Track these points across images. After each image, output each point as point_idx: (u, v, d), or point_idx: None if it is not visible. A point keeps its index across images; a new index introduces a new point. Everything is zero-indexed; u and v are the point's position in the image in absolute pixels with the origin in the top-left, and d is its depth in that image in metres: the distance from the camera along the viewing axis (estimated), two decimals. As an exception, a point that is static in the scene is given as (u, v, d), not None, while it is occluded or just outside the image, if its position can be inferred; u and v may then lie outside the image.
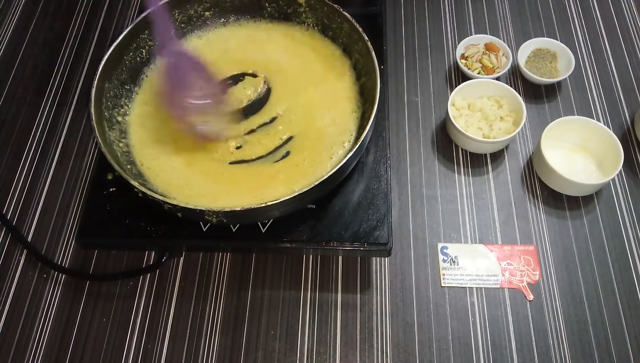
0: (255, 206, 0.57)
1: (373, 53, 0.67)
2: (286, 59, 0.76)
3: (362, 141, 0.62)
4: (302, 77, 0.75)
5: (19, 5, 0.98)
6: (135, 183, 0.59)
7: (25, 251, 0.73)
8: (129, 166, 0.67)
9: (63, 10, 0.98)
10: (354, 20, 0.70)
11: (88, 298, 0.70)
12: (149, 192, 0.59)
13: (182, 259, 0.72)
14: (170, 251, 0.68)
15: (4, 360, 0.66)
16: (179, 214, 0.61)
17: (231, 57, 0.77)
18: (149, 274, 0.71)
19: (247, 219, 0.64)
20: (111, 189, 0.67)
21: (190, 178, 0.67)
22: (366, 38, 0.68)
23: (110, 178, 0.67)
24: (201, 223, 0.64)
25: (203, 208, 0.57)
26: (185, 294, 0.70)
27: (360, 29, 0.69)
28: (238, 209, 0.57)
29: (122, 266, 0.72)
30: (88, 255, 0.73)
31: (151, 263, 0.72)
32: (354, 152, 0.61)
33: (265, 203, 0.57)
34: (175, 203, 0.59)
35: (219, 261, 0.72)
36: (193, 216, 0.61)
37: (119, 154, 0.67)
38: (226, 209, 0.57)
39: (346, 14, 0.71)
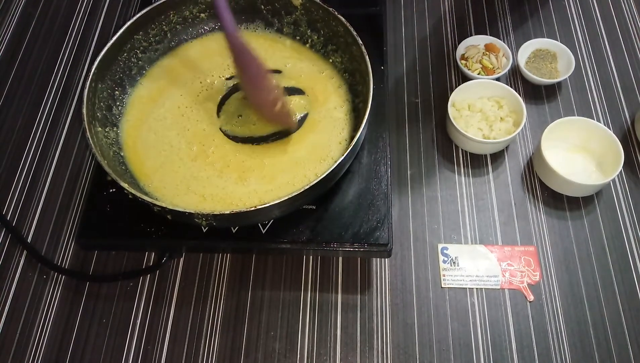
0: (244, 210, 0.57)
1: (367, 57, 0.67)
2: (285, 68, 0.76)
3: (355, 143, 0.62)
4: (301, 85, 0.75)
5: (19, 6, 0.98)
6: (124, 184, 0.59)
7: (25, 251, 0.73)
8: (122, 168, 0.67)
9: (63, 10, 0.98)
10: (348, 24, 0.70)
11: (88, 299, 0.70)
12: (138, 194, 0.59)
13: (182, 260, 0.72)
14: (170, 252, 0.68)
15: (3, 360, 0.66)
16: (168, 216, 0.61)
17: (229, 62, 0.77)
18: (149, 275, 0.71)
19: (237, 222, 0.64)
20: (111, 190, 0.67)
21: (184, 180, 0.67)
22: (360, 42, 0.68)
23: (110, 179, 0.67)
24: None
25: (192, 211, 0.57)
26: (185, 295, 0.70)
27: (355, 33, 0.69)
28: (227, 212, 0.57)
29: (122, 267, 0.72)
30: (88, 255, 0.73)
31: (151, 264, 0.72)
32: (345, 157, 0.61)
33: (255, 207, 0.57)
34: (164, 205, 0.58)
35: (219, 262, 0.72)
36: (182, 219, 0.60)
37: (112, 155, 0.67)
38: (215, 212, 0.57)
39: (341, 17, 0.71)
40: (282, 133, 0.71)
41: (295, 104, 0.73)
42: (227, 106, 0.73)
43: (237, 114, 0.72)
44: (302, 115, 0.72)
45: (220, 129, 0.71)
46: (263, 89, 0.67)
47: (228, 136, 0.71)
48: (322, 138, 0.70)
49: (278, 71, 0.76)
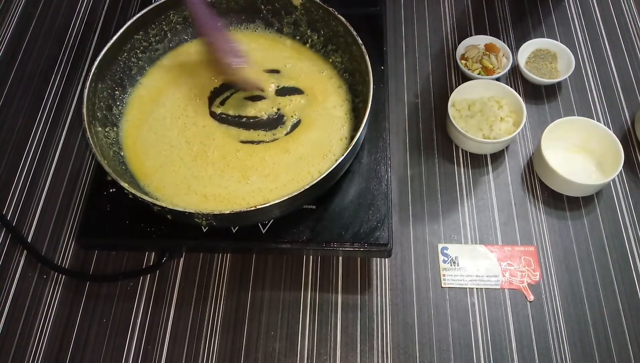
0: (244, 209, 0.57)
1: (367, 57, 0.67)
2: (285, 68, 0.76)
3: (355, 143, 0.62)
4: (301, 84, 0.75)
5: (19, 6, 0.98)
6: (124, 184, 0.59)
7: (25, 251, 0.73)
8: (122, 168, 0.67)
9: (63, 10, 0.98)
10: (348, 24, 0.70)
11: (88, 299, 0.70)
12: (138, 194, 0.59)
13: (182, 260, 0.72)
14: (170, 252, 0.68)
15: (4, 360, 0.66)
16: (168, 216, 0.61)
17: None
18: (149, 275, 0.71)
19: (237, 222, 0.64)
20: (111, 190, 0.67)
21: (185, 180, 0.67)
22: (360, 42, 0.68)
23: (110, 178, 0.67)
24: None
25: (192, 211, 0.58)
26: (185, 295, 0.70)
27: (355, 33, 0.69)
28: (227, 212, 0.57)
29: (122, 267, 0.72)
30: (88, 255, 0.73)
31: (151, 264, 0.72)
32: (345, 157, 0.61)
33: (255, 206, 0.57)
34: (163, 205, 0.58)
35: (219, 262, 0.72)
36: (183, 219, 0.61)
37: (112, 154, 0.67)
38: (215, 212, 0.57)
39: (341, 17, 0.71)
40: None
41: (295, 104, 0.73)
42: (227, 105, 0.73)
43: (237, 113, 0.73)
44: (295, 120, 0.72)
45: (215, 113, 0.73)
46: (219, 50, 0.70)
47: (227, 120, 0.72)
48: (323, 134, 0.70)
49: (277, 71, 0.76)
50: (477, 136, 0.77)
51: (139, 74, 0.76)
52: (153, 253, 0.72)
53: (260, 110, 0.73)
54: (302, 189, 0.58)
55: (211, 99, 0.74)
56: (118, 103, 0.73)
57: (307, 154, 0.69)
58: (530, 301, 0.69)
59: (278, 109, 0.73)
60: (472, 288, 0.70)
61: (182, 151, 0.69)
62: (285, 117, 0.72)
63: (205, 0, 0.71)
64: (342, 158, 0.61)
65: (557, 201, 0.76)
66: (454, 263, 0.71)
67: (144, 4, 0.75)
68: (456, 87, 0.81)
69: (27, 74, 0.90)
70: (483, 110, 0.79)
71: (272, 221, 0.65)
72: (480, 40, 0.88)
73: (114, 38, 0.70)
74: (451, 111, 0.79)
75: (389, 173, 0.69)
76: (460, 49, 0.88)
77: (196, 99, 0.74)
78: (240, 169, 0.68)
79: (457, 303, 0.69)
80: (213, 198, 0.65)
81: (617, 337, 0.66)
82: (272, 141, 0.70)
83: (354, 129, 0.70)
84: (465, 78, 0.86)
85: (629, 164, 0.79)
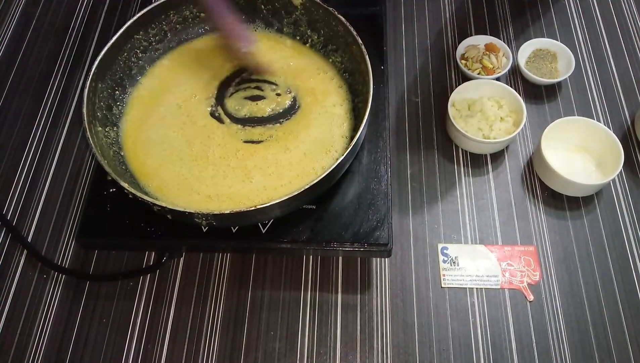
0: (245, 209, 0.57)
1: (367, 57, 0.67)
2: (285, 68, 0.76)
3: (355, 143, 0.62)
4: (300, 83, 0.75)
5: (19, 5, 0.98)
6: (124, 184, 0.59)
7: (25, 251, 0.73)
8: (122, 167, 0.67)
9: (63, 10, 0.98)
10: (348, 24, 0.70)
11: (88, 298, 0.70)
12: (138, 194, 0.59)
13: (182, 259, 0.72)
14: (170, 251, 0.68)
15: (4, 360, 0.66)
16: (168, 216, 0.61)
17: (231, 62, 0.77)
18: (149, 274, 0.71)
19: (238, 221, 0.64)
20: (111, 190, 0.67)
21: (185, 180, 0.67)
22: (360, 42, 0.68)
23: (110, 178, 0.67)
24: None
25: (192, 210, 0.57)
26: (185, 294, 0.70)
27: (355, 33, 0.69)
28: (227, 212, 0.57)
29: (122, 266, 0.72)
30: (88, 255, 0.73)
31: (151, 263, 0.72)
32: (345, 157, 0.61)
33: (255, 206, 0.57)
34: (163, 204, 0.58)
35: (219, 261, 0.72)
36: (183, 219, 0.61)
37: (112, 154, 0.67)
38: (215, 212, 0.57)
39: (341, 17, 0.71)
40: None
41: (295, 103, 0.73)
42: (227, 105, 0.73)
43: (238, 113, 0.73)
44: (295, 119, 0.72)
45: (221, 109, 0.73)
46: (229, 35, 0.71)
47: (227, 119, 0.72)
48: (324, 131, 0.70)
49: (275, 84, 0.75)
50: (477, 136, 0.77)
51: (139, 74, 0.76)
52: (153, 253, 0.73)
53: (260, 109, 0.73)
54: (303, 189, 0.58)
55: (211, 99, 0.74)
56: (118, 103, 0.73)
57: (310, 151, 0.69)
58: (530, 301, 0.69)
59: (278, 109, 0.73)
60: (472, 288, 0.70)
61: (183, 151, 0.69)
62: (285, 117, 0.72)
63: None
64: (343, 157, 0.61)
65: (557, 201, 0.76)
66: (454, 263, 0.71)
67: (144, 4, 0.75)
68: (456, 87, 0.81)
69: (27, 74, 0.90)
70: (483, 110, 0.79)
71: (272, 221, 0.65)
72: (480, 40, 0.88)
73: (114, 38, 0.70)
74: (451, 110, 0.79)
75: (389, 172, 0.69)
76: (460, 48, 0.88)
77: (196, 98, 0.74)
78: (242, 168, 0.68)
79: (457, 303, 0.69)
80: (217, 198, 0.65)
81: (617, 337, 0.66)
82: (273, 139, 0.70)
83: (354, 128, 0.70)
84: (465, 78, 0.86)
85: (629, 164, 0.79)
